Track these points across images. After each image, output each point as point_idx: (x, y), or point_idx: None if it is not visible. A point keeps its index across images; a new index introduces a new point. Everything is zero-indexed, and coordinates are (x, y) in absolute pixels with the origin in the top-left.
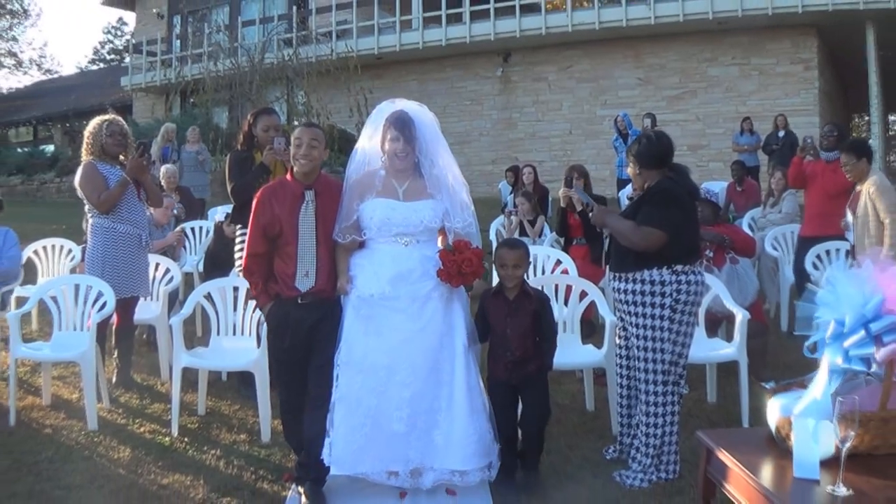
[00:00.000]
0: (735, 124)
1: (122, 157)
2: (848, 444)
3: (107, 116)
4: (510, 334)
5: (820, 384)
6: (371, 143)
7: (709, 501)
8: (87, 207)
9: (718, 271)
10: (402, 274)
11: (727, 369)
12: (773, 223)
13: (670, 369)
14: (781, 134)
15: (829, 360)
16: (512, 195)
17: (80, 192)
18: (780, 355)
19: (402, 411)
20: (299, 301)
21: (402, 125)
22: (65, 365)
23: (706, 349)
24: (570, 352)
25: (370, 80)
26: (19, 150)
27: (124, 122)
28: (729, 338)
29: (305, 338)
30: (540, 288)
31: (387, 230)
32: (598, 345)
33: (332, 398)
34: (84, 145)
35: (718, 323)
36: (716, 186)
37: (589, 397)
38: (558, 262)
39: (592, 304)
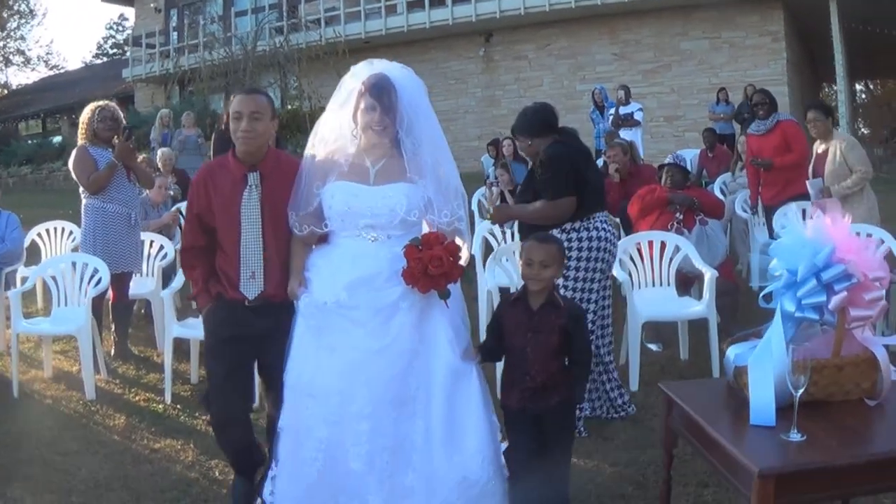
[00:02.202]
0: (709, 95)
1: (114, 141)
2: (801, 391)
3: (99, 103)
4: (530, 354)
5: (774, 333)
6: (342, 112)
7: (671, 451)
8: (80, 189)
9: (688, 233)
10: (364, 278)
11: (699, 327)
12: (742, 186)
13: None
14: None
15: (782, 309)
16: (493, 167)
17: (73, 175)
18: (750, 313)
19: (361, 447)
20: (246, 304)
21: (379, 91)
22: (66, 340)
23: (677, 307)
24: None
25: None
26: (29, 141)
27: (116, 108)
28: (700, 297)
29: (254, 343)
30: (622, 253)
31: (350, 221)
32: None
33: (279, 424)
34: (79, 130)
35: (690, 283)
36: (689, 154)
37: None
38: None
39: None
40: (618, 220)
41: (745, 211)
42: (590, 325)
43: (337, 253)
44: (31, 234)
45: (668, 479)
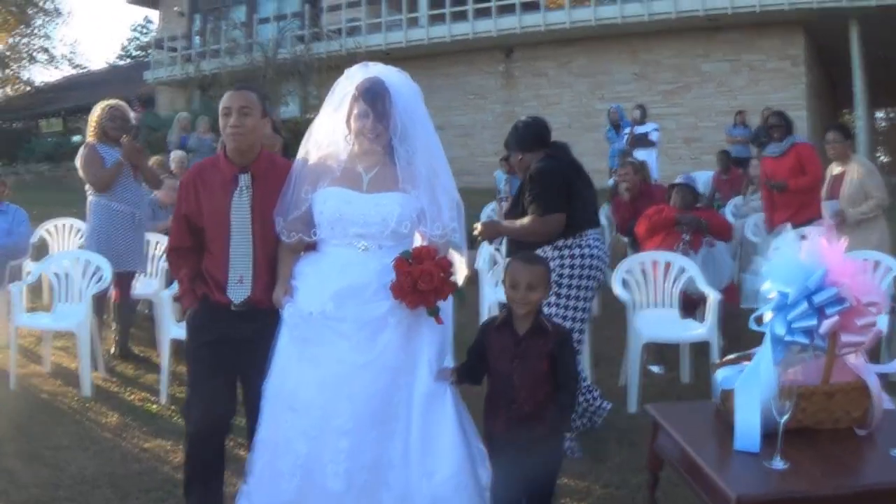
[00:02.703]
0: (727, 118)
1: (122, 140)
2: (786, 417)
3: (109, 102)
4: (517, 382)
5: (763, 357)
6: (336, 115)
7: (656, 474)
8: (86, 186)
9: (695, 254)
10: (352, 288)
11: (702, 349)
12: (754, 210)
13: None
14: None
15: (772, 332)
16: (506, 182)
17: (80, 172)
18: (757, 337)
19: (339, 465)
20: (232, 308)
21: (373, 97)
22: (68, 336)
23: (679, 330)
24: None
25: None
26: (49, 139)
27: (126, 108)
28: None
29: (236, 348)
30: (626, 273)
31: (341, 229)
32: None
33: (256, 435)
34: (88, 128)
35: (696, 305)
36: (704, 176)
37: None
38: None
39: None
40: (626, 239)
41: (755, 235)
42: (577, 347)
43: (325, 261)
44: (40, 231)
45: (653, 502)
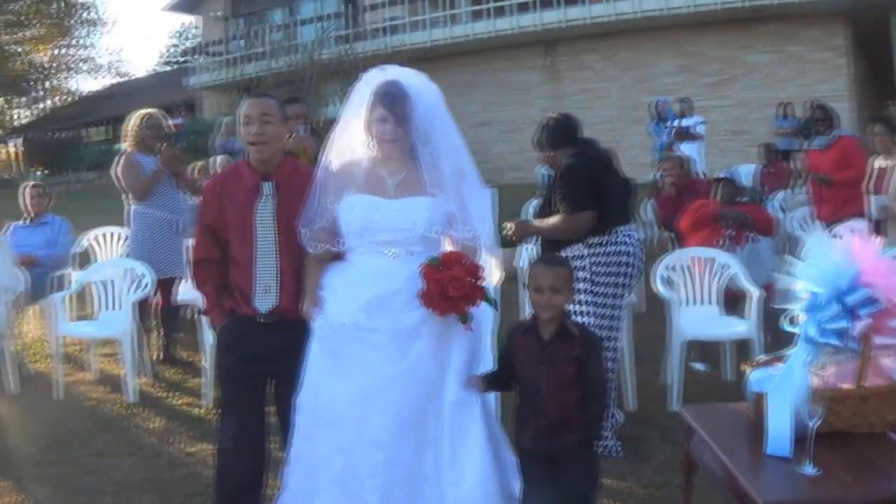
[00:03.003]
0: (773, 110)
1: (161, 148)
2: (817, 422)
3: (146, 111)
4: (544, 388)
5: (794, 359)
6: (355, 121)
7: (691, 478)
8: (127, 195)
9: (739, 250)
10: (383, 298)
11: (746, 347)
12: (800, 204)
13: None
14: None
15: (804, 333)
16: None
17: (121, 181)
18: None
19: (376, 479)
20: (260, 321)
21: (391, 101)
22: (113, 343)
23: (721, 327)
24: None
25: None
26: (96, 148)
27: (163, 115)
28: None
29: (268, 363)
30: (669, 269)
31: (369, 237)
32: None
33: (289, 450)
34: (127, 137)
35: (739, 301)
36: (749, 169)
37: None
38: None
39: None
40: (671, 234)
41: (801, 229)
42: (613, 344)
43: (354, 270)
44: (85, 239)
45: None
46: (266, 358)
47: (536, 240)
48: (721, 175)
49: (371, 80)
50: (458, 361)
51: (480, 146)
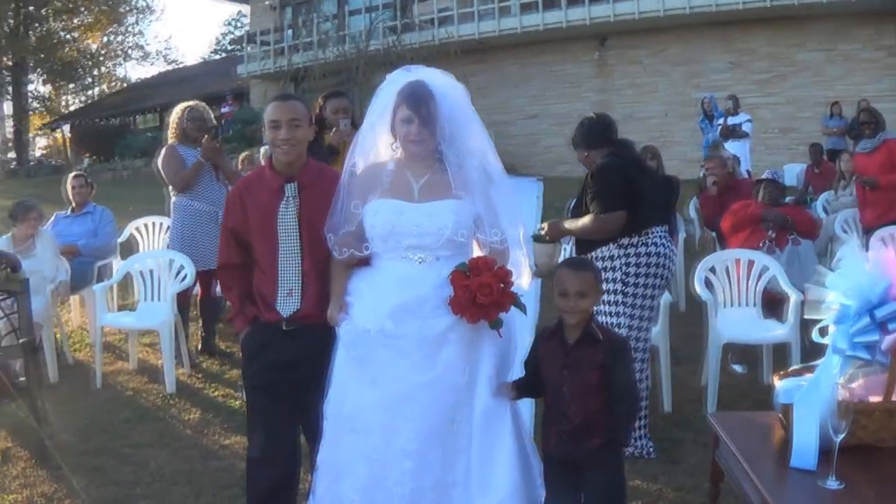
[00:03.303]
0: (823, 108)
1: (203, 140)
2: (841, 436)
3: (189, 103)
4: (567, 393)
5: (823, 371)
6: (380, 123)
7: (717, 485)
8: (169, 187)
9: (780, 252)
10: (410, 304)
11: (785, 350)
12: (845, 205)
13: (637, 344)
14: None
15: (834, 345)
16: None
17: (162, 173)
18: None
19: (404, 487)
20: (283, 327)
21: (416, 101)
22: (154, 332)
23: (760, 330)
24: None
25: (472, 65)
26: (148, 134)
27: (205, 108)
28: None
29: (289, 373)
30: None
31: (394, 242)
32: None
33: (317, 456)
34: (169, 129)
35: (780, 303)
36: (796, 168)
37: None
38: None
39: None
40: (713, 234)
41: (844, 231)
42: (644, 346)
43: (381, 276)
44: (129, 229)
45: None
46: (290, 365)
47: (570, 239)
48: (764, 176)
49: (396, 81)
50: (488, 368)
51: (530, 139)
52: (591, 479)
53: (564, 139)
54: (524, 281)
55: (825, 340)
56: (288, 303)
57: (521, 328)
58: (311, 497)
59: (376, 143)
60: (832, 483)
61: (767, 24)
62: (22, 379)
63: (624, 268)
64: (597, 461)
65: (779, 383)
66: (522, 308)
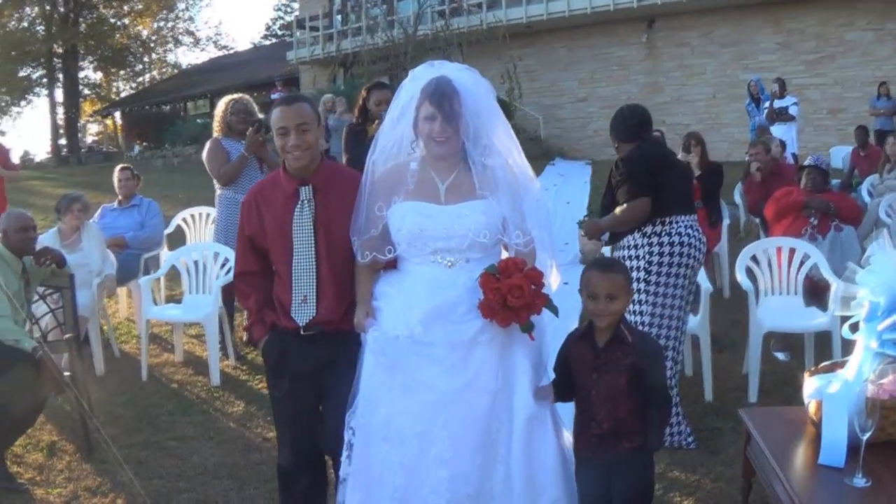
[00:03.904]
0: (872, 89)
1: (247, 133)
2: (868, 434)
3: (234, 96)
4: (595, 398)
5: (852, 367)
6: (402, 121)
7: (749, 481)
8: (214, 180)
9: (822, 239)
10: (440, 309)
11: (828, 337)
12: (889, 189)
13: (649, 332)
14: None
15: (864, 342)
16: None
17: (206, 166)
18: None
19: (440, 496)
20: (301, 333)
21: (440, 98)
22: (201, 325)
23: (801, 319)
24: None
25: (520, 49)
26: (198, 121)
27: (250, 101)
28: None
29: (311, 381)
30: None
31: (422, 245)
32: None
33: (343, 471)
34: (214, 122)
35: (824, 291)
36: (842, 151)
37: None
38: None
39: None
40: (757, 220)
41: (888, 216)
42: (666, 332)
43: (409, 280)
44: (177, 220)
45: None
46: (310, 374)
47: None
48: (807, 162)
49: (419, 77)
50: (527, 373)
51: (579, 122)
52: (620, 482)
53: None
54: (553, 282)
55: (855, 337)
56: (303, 310)
57: (555, 329)
58: None
59: (399, 142)
60: (859, 480)
61: (816, 3)
62: (68, 374)
63: (647, 256)
64: (626, 464)
65: (808, 380)
66: (554, 310)
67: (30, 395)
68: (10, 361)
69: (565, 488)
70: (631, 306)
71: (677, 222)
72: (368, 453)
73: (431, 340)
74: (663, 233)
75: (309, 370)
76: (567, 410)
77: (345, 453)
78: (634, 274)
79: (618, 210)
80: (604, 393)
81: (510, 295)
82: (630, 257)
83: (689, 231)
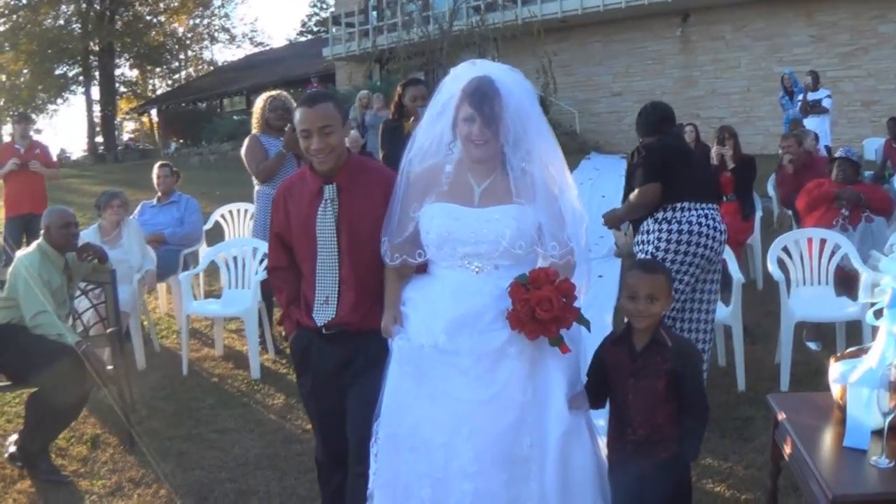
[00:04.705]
0: None
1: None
2: (890, 416)
3: (272, 93)
4: (632, 404)
5: (876, 352)
6: (441, 120)
7: (778, 463)
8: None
9: (853, 230)
10: (466, 317)
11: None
12: None
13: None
14: None
15: (886, 328)
16: None
17: (244, 162)
18: None
19: None
20: (323, 332)
21: (480, 99)
22: (241, 320)
23: (832, 308)
24: None
25: (555, 44)
26: (234, 118)
27: (288, 98)
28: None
29: (332, 380)
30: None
31: (450, 249)
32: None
33: (370, 483)
34: (253, 119)
35: (855, 281)
36: (875, 143)
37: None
38: None
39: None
40: (790, 212)
41: None
42: (682, 327)
43: (436, 286)
44: (215, 215)
45: (775, 490)
46: (330, 373)
47: (627, 227)
48: (838, 154)
49: (460, 76)
50: (559, 386)
51: (614, 117)
52: (655, 492)
53: None
54: (582, 296)
55: (879, 323)
56: (324, 311)
57: (589, 341)
58: None
59: (437, 142)
60: (882, 461)
61: None
62: (110, 367)
63: (656, 241)
64: (663, 472)
65: (833, 365)
66: (586, 324)
67: (73, 389)
68: (55, 356)
69: (602, 500)
70: None
71: (690, 209)
72: (395, 463)
73: (456, 350)
74: (673, 219)
75: (329, 369)
76: (598, 414)
77: (372, 466)
78: (641, 257)
79: (631, 196)
80: (641, 399)
81: (539, 307)
82: (643, 241)
83: (703, 220)
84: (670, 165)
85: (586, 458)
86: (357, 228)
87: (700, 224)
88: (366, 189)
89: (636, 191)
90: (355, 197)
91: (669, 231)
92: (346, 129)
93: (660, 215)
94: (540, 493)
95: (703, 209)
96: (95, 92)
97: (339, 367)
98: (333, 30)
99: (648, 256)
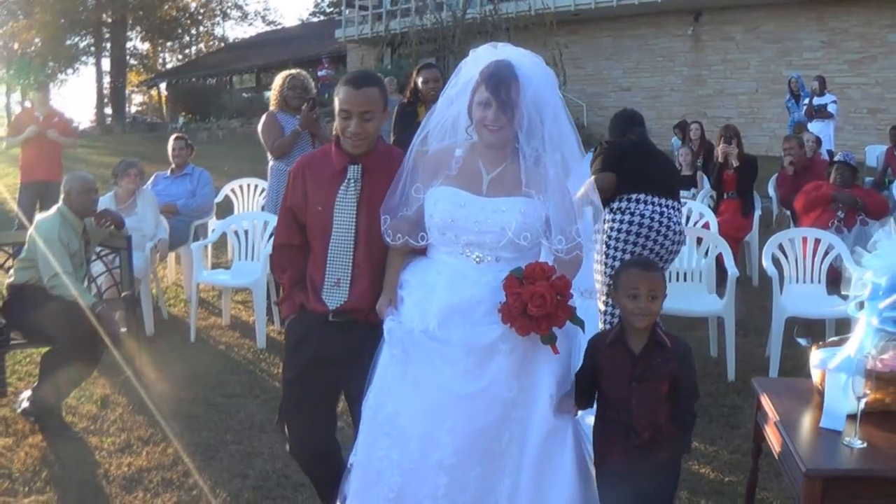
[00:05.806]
0: None
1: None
2: (864, 401)
3: (290, 71)
4: (636, 408)
5: (854, 342)
6: (456, 103)
7: (759, 445)
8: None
9: (848, 232)
10: (459, 306)
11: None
12: None
13: (607, 299)
14: None
15: (866, 319)
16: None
17: (260, 139)
18: None
19: (436, 502)
20: (330, 318)
21: (497, 83)
22: (247, 290)
23: (823, 306)
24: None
25: (567, 36)
26: (244, 95)
27: (306, 77)
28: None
29: (329, 369)
30: (772, 251)
31: (452, 236)
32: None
33: (351, 457)
34: (271, 96)
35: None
36: (877, 150)
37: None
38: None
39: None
40: (788, 212)
41: None
42: (612, 310)
43: (433, 272)
44: (226, 190)
45: (756, 469)
46: (332, 362)
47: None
48: (837, 158)
49: (479, 59)
50: (549, 387)
51: None
52: (650, 491)
53: (655, 113)
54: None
55: (858, 315)
56: (335, 293)
57: (576, 343)
58: (343, 498)
59: (451, 124)
60: (856, 442)
61: (861, 3)
62: (124, 330)
63: (608, 231)
64: (660, 473)
65: (815, 352)
66: (580, 324)
67: (87, 349)
68: (70, 316)
69: (580, 500)
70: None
71: (646, 203)
72: (372, 446)
73: (447, 338)
74: (627, 210)
75: (329, 357)
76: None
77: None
78: (597, 246)
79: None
80: (644, 402)
81: (531, 303)
82: (598, 231)
83: (656, 216)
84: (629, 157)
85: (566, 461)
86: (377, 212)
87: (653, 219)
88: (390, 174)
89: (591, 178)
90: (378, 181)
91: (622, 221)
92: (385, 115)
93: (614, 205)
94: (511, 489)
95: (659, 205)
96: (106, 63)
97: (342, 357)
98: (347, 12)
99: (602, 247)
